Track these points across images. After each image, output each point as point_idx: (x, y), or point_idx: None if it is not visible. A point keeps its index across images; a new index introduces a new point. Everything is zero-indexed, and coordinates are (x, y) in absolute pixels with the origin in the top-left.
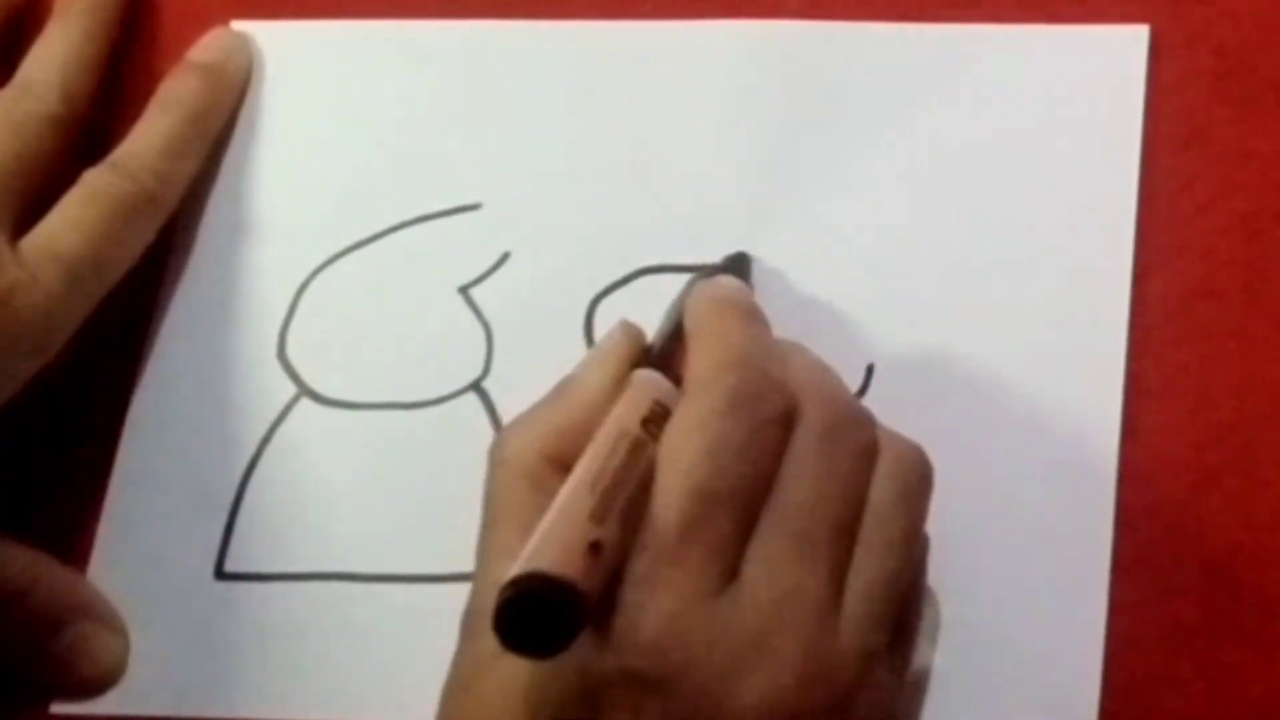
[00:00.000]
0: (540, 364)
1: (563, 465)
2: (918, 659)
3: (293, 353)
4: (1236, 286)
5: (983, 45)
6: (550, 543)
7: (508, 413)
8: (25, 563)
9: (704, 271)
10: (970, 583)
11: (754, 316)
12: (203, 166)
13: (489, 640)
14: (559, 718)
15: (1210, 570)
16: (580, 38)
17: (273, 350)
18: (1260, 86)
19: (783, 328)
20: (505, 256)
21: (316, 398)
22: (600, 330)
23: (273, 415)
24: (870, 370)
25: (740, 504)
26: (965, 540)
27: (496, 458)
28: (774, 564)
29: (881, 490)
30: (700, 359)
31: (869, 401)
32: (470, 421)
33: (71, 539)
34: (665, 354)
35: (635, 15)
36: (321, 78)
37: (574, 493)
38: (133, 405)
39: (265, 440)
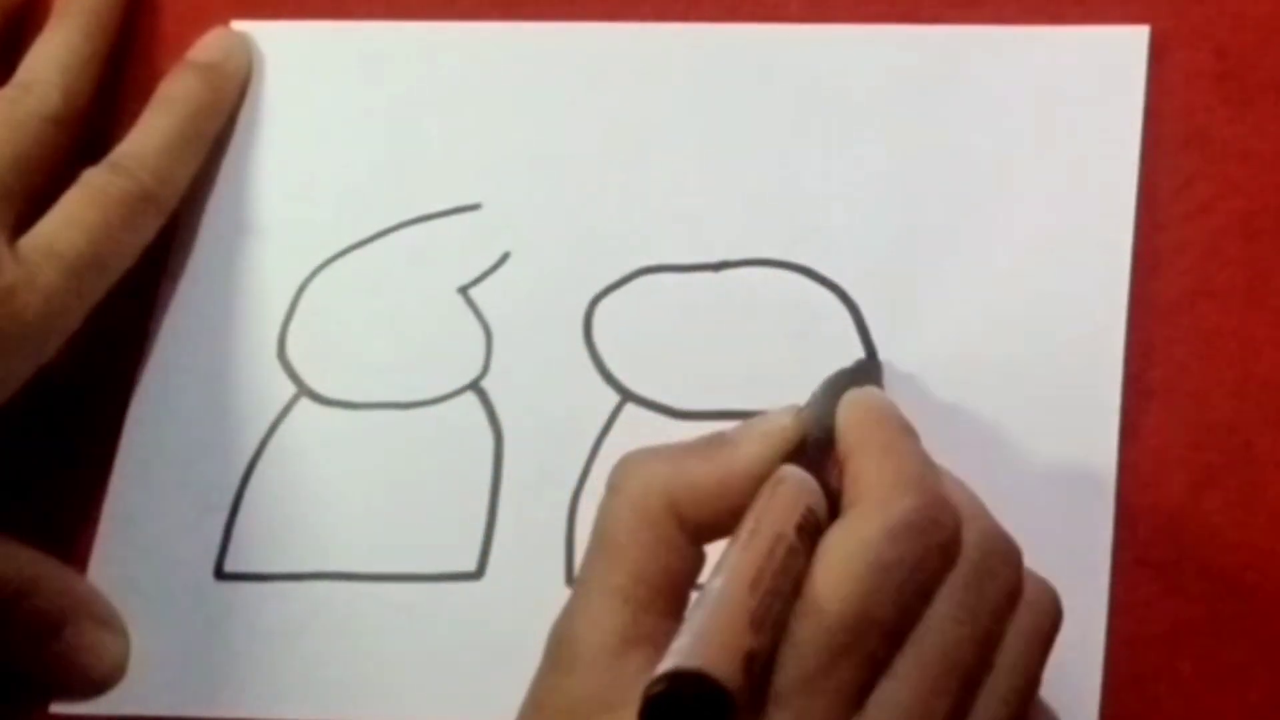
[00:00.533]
0: (540, 364)
1: (686, 520)
2: None
3: (293, 353)
4: (1236, 286)
5: (983, 46)
6: (711, 643)
7: (507, 412)
8: (25, 563)
9: (839, 377)
10: None
11: (914, 434)
12: (203, 166)
13: (585, 683)
14: None
15: (1210, 570)
16: (580, 38)
17: (273, 350)
18: (1260, 86)
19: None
20: (505, 256)
21: (316, 398)
22: (600, 330)
23: (273, 415)
24: None
25: (890, 633)
26: None
27: (618, 485)
28: (903, 699)
29: (1017, 636)
30: (870, 475)
31: None
32: (469, 421)
33: (71, 539)
34: (814, 458)
35: (635, 16)
36: (321, 78)
37: (734, 591)
38: (133, 405)
39: (265, 440)
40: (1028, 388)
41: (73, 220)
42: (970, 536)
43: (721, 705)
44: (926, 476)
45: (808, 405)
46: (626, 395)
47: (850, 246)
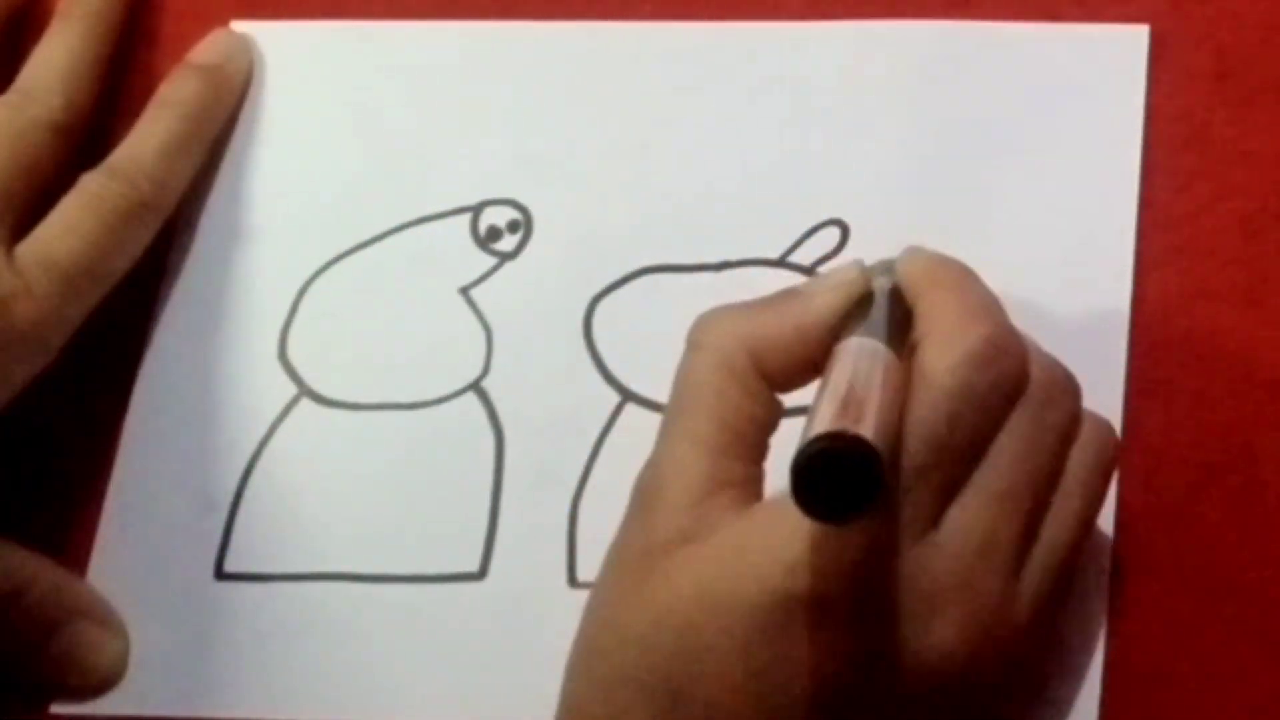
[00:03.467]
0: (540, 364)
1: (765, 370)
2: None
3: (294, 354)
4: (1236, 286)
5: (983, 44)
6: (860, 416)
7: (508, 413)
8: (19, 563)
9: (884, 260)
10: None
11: (976, 274)
12: (203, 167)
13: (668, 522)
14: (749, 637)
15: (1210, 570)
16: (580, 38)
17: (274, 351)
18: (1260, 86)
19: None
20: (505, 257)
21: (317, 398)
22: (600, 330)
23: (273, 415)
24: None
25: (965, 455)
26: None
27: (699, 341)
28: (974, 519)
29: (1078, 463)
30: (943, 308)
31: None
32: (470, 422)
33: (72, 539)
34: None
35: (635, 16)
36: (321, 78)
37: (834, 388)
38: (133, 405)
39: (265, 440)
40: None
41: (70, 228)
42: (1037, 370)
43: (868, 477)
44: (994, 307)
45: (870, 267)
46: (627, 395)
47: (851, 246)
